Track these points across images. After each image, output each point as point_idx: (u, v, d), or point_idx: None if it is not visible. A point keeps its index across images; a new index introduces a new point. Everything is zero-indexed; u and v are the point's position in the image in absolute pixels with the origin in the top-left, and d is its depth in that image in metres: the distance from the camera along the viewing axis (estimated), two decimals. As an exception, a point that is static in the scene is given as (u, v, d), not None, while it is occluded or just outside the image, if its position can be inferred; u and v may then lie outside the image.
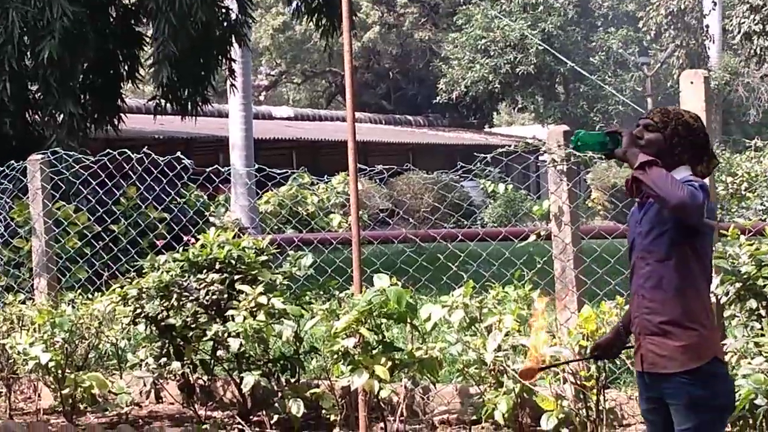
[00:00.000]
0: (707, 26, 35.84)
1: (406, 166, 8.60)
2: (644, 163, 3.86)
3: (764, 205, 17.59)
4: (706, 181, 4.14)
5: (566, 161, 6.86)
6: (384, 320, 6.91)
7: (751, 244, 6.01)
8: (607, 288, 7.15)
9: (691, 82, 6.37)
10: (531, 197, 25.94)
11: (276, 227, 17.91)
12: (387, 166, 8.29)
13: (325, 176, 8.85)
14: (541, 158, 7.56)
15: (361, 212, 9.16)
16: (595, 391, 6.31)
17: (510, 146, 8.04)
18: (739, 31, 32.86)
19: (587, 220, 16.45)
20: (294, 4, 17.42)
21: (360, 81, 48.90)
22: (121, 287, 7.68)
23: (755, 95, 39.81)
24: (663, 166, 3.87)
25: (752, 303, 5.93)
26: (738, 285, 5.96)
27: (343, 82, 7.67)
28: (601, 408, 6.33)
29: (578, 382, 6.34)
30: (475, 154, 8.05)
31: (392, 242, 10.51)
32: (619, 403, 6.79)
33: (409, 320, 6.91)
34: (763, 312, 5.92)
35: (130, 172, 9.53)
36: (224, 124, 24.63)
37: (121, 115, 15.91)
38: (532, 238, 7.21)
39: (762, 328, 5.73)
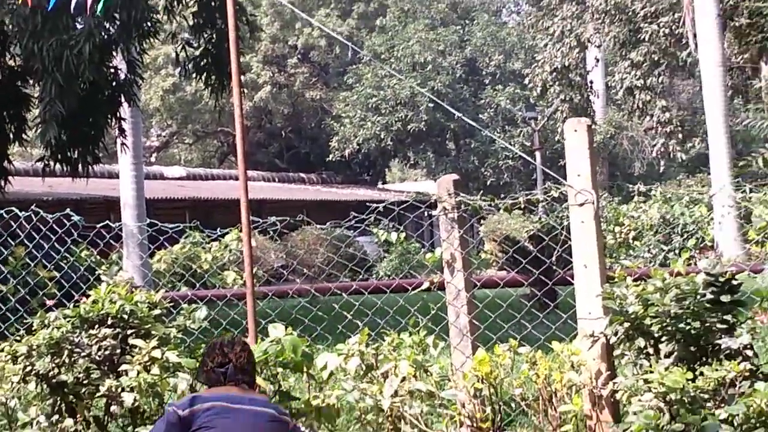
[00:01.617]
0: (591, 82, 36.75)
1: (300, 217, 8.60)
2: None
3: (650, 252, 18.02)
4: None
5: (457, 209, 6.96)
6: (280, 369, 6.88)
7: (638, 285, 6.16)
8: (500, 333, 7.25)
9: (575, 130, 6.54)
10: (424, 248, 26.16)
11: (169, 284, 17.71)
12: (281, 218, 8.30)
13: (219, 229, 8.78)
14: (433, 212, 7.64)
15: (255, 267, 9.14)
16: (491, 433, 6.36)
17: (402, 198, 8.14)
18: (621, 86, 33.80)
19: (481, 270, 16.66)
20: (182, 64, 17.30)
21: (252, 140, 48.88)
22: (11, 345, 7.51)
23: (639, 148, 40.92)
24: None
25: (640, 342, 6.06)
26: (626, 325, 6.09)
27: (235, 141, 7.68)
28: (497, 450, 6.38)
29: (475, 425, 6.39)
30: (368, 207, 8.11)
31: (288, 295, 10.50)
32: (515, 445, 6.86)
33: (305, 369, 6.90)
34: (650, 350, 6.06)
35: (18, 231, 9.37)
36: (115, 184, 24.38)
37: (8, 177, 15.65)
38: (426, 285, 7.29)
39: (650, 366, 5.85)
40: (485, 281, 8.70)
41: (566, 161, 6.59)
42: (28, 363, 7.32)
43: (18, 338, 7.69)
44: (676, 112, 34.90)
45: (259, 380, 6.63)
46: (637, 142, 41.31)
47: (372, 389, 6.62)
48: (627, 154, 42.55)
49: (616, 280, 6.32)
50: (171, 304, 7.94)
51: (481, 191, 7.19)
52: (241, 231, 8.04)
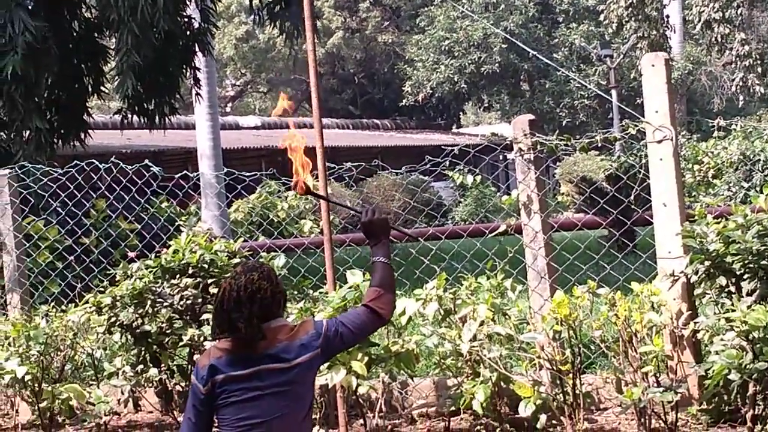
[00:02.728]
0: (668, 16, 36.03)
1: (376, 163, 8.61)
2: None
3: (731, 190, 17.74)
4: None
5: (533, 150, 6.91)
6: (359, 316, 6.91)
7: (718, 223, 6.08)
8: (578, 275, 7.22)
9: (653, 65, 6.44)
10: (500, 191, 26.05)
11: (247, 234, 17.88)
12: (356, 164, 8.32)
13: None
14: (508, 155, 7.59)
15: (332, 215, 9.19)
16: (571, 375, 6.34)
17: (477, 141, 8.09)
18: (699, 20, 33.14)
19: (558, 213, 16.55)
20: (255, 11, 17.36)
21: (325, 87, 48.92)
22: (95, 297, 7.67)
23: (718, 84, 40.12)
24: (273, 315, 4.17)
25: (722, 280, 6.00)
26: (707, 263, 6.03)
27: (309, 88, 7.69)
28: (577, 392, 6.37)
29: (554, 368, 6.38)
30: (442, 151, 8.08)
31: (364, 243, 10.53)
32: (596, 387, 6.85)
33: (384, 315, 6.93)
34: (732, 288, 5.99)
35: (99, 184, 9.51)
36: (192, 135, 24.58)
37: (88, 130, 15.85)
38: (502, 228, 7.26)
39: (732, 304, 5.78)
40: (562, 223, 8.66)
41: (643, 98, 6.50)
42: (112, 314, 7.47)
43: (102, 290, 7.84)
44: (755, 45, 34.15)
45: (338, 326, 6.68)
46: (716, 77, 40.49)
47: (451, 334, 6.63)
48: (705, 90, 41.76)
49: (696, 218, 6.24)
50: (249, 252, 8.03)
51: (557, 132, 7.11)
52: (317, 179, 8.08)
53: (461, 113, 55.04)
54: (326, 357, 4.28)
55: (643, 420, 6.29)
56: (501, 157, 8.67)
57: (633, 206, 8.49)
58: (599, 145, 7.07)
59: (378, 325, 4.38)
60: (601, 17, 36.08)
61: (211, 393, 4.12)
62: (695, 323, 6.06)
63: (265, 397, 4.08)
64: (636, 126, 6.67)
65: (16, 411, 8.41)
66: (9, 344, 7.96)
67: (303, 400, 4.18)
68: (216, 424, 4.18)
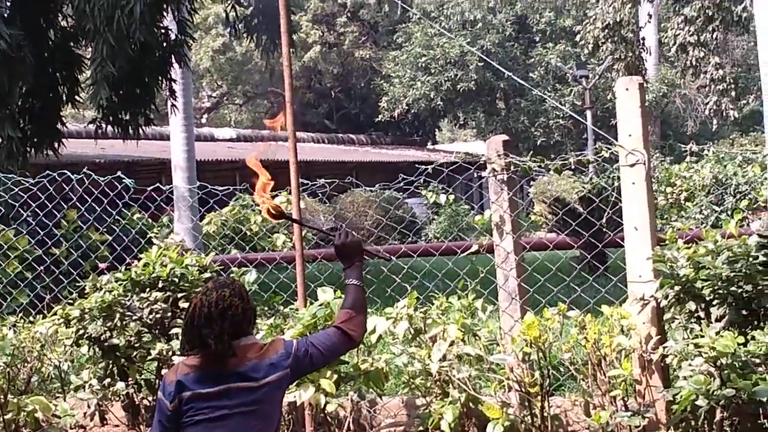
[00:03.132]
0: (643, 38, 36.19)
1: (349, 179, 8.60)
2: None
3: (703, 213, 17.84)
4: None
5: (506, 170, 6.92)
6: (329, 334, 6.89)
7: (689, 248, 6.09)
8: (549, 296, 7.22)
9: (627, 89, 6.46)
10: (474, 211, 26.08)
11: (219, 247, 17.83)
12: (329, 180, 8.31)
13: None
14: (483, 173, 7.61)
15: (304, 230, 9.16)
16: (539, 397, 6.35)
17: (452, 159, 8.10)
18: (674, 43, 33.33)
19: (531, 233, 16.59)
20: (232, 24, 17.35)
21: (302, 101, 48.90)
22: (63, 309, 7.61)
23: (692, 106, 40.41)
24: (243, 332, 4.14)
25: (691, 305, 6.01)
26: (677, 288, 6.04)
27: (285, 102, 7.69)
28: (546, 414, 6.37)
29: (523, 390, 6.38)
30: (418, 168, 8.08)
31: (336, 259, 10.50)
32: (564, 409, 6.84)
33: (354, 333, 6.91)
34: (701, 314, 6.00)
35: (71, 195, 9.45)
36: (166, 146, 24.49)
37: (62, 139, 15.74)
38: (474, 248, 7.26)
39: (701, 330, 5.80)
40: (534, 243, 8.66)
41: (617, 121, 6.52)
42: (80, 326, 7.42)
43: (71, 301, 7.78)
44: (729, 69, 34.39)
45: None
46: (690, 100, 40.78)
47: (420, 353, 6.63)
48: (680, 112, 42.03)
49: (667, 242, 6.26)
50: (221, 267, 8.00)
51: (531, 151, 7.12)
52: (290, 193, 8.06)
53: (437, 130, 55.13)
54: (295, 377, 4.25)
55: (610, 443, 6.29)
56: (475, 175, 8.68)
57: (605, 228, 8.51)
58: (573, 167, 7.08)
59: (348, 347, 4.38)
60: (578, 38, 36.28)
61: (177, 410, 4.07)
62: (664, 348, 6.08)
63: (233, 416, 4.04)
64: (609, 149, 6.70)
65: (-19, 422, 8.33)
66: (-25, 355, 7.90)
67: (271, 420, 4.15)
68: None
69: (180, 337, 4.21)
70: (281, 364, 4.12)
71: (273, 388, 4.10)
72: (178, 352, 6.85)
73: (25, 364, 7.94)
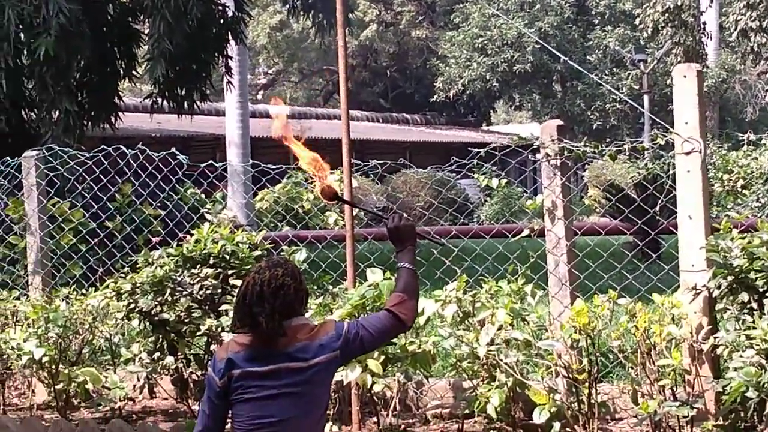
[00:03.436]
0: (704, 23, 35.79)
1: (401, 161, 8.58)
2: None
3: (759, 202, 17.62)
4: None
5: (560, 156, 6.87)
6: (377, 314, 6.90)
7: (743, 238, 6.01)
8: (599, 283, 7.17)
9: (684, 76, 6.37)
10: (527, 194, 25.92)
11: (271, 224, 17.90)
12: (382, 161, 8.29)
13: (320, 172, 8.78)
14: (536, 155, 7.56)
15: (355, 210, 9.17)
16: (587, 384, 6.31)
17: (505, 143, 8.05)
18: (736, 28, 32.89)
19: (583, 217, 16.47)
20: (290, 2, 17.40)
21: (357, 79, 48.93)
22: (115, 282, 7.69)
23: (752, 93, 39.88)
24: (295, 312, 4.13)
25: (744, 296, 5.93)
26: (730, 278, 5.96)
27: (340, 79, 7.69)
28: (593, 401, 6.33)
29: (570, 376, 6.35)
30: (470, 150, 8.05)
31: (386, 239, 10.49)
32: (612, 396, 6.80)
33: (402, 314, 6.91)
34: (754, 305, 5.93)
35: (125, 169, 9.53)
36: (221, 122, 24.65)
37: (118, 113, 15.90)
38: (526, 233, 7.22)
39: (753, 321, 5.73)
40: (587, 229, 8.58)
41: (674, 108, 6.44)
42: (131, 300, 7.48)
43: (123, 275, 7.86)
44: (791, 56, 33.89)
45: (355, 324, 6.67)
46: (750, 86, 40.24)
47: (468, 336, 6.61)
48: (739, 98, 41.49)
49: (721, 231, 6.18)
50: (271, 245, 8.02)
51: (587, 135, 7.06)
52: (342, 172, 8.07)
53: (492, 111, 54.92)
54: (344, 359, 4.23)
55: (657, 432, 6.25)
56: (529, 158, 8.64)
57: (658, 216, 8.43)
58: (628, 153, 7.02)
59: (399, 330, 4.36)
60: (637, 21, 35.89)
61: (227, 387, 4.08)
62: (715, 338, 6.01)
63: (281, 397, 4.04)
64: (665, 136, 6.62)
65: (33, 391, 8.46)
66: (28, 325, 8.01)
67: (319, 401, 4.15)
68: (231, 419, 4.16)
69: (231, 315, 4.22)
70: (331, 345, 4.10)
71: (322, 369, 4.08)
72: (228, 329, 6.92)
73: (77, 336, 8.03)
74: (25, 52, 13.35)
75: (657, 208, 8.32)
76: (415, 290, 4.35)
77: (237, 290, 4.23)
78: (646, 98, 35.77)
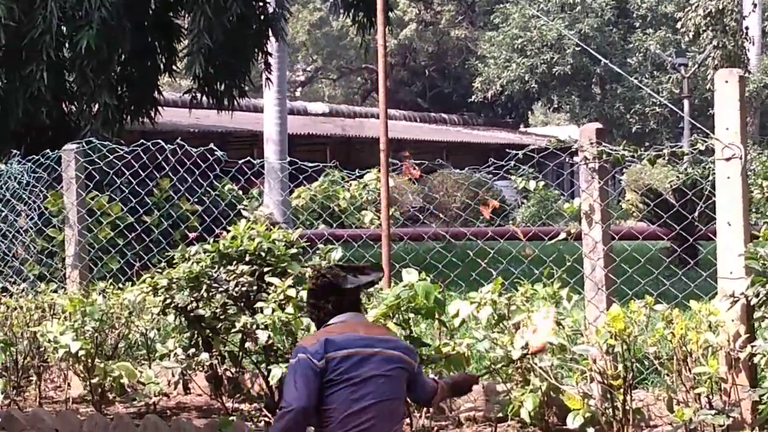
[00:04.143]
0: (747, 28, 35.44)
1: (438, 161, 8.57)
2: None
3: (800, 209, 17.42)
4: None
5: (598, 159, 6.83)
6: (412, 315, 6.90)
7: (784, 246, 5.95)
8: (636, 288, 7.12)
9: (726, 81, 6.31)
10: (564, 197, 25.88)
11: (307, 222, 17.92)
12: (419, 161, 8.28)
13: (357, 171, 8.81)
14: (574, 158, 7.51)
15: (392, 208, 9.17)
16: (622, 390, 6.26)
17: (543, 144, 8.01)
18: (778, 34, 32.55)
19: (620, 221, 16.38)
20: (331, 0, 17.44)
21: (396, 78, 48.92)
22: (152, 277, 7.72)
23: (794, 99, 39.46)
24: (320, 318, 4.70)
25: (783, 305, 5.87)
26: (769, 286, 5.90)
27: (378, 78, 7.69)
28: (627, 408, 6.29)
29: (605, 382, 6.31)
30: (508, 152, 8.02)
31: (423, 239, 10.51)
32: (647, 403, 6.75)
33: (437, 316, 6.91)
34: (793, 314, 5.87)
35: (164, 164, 9.56)
36: (259, 118, 24.70)
37: (158, 107, 15.98)
38: (563, 236, 7.17)
39: (791, 331, 5.67)
40: (624, 233, 8.53)
41: (714, 113, 6.38)
42: (167, 295, 7.50)
43: (159, 270, 7.89)
44: (834, 62, 33.53)
45: (390, 325, 6.67)
46: (792, 92, 39.84)
47: (503, 339, 6.59)
48: (781, 104, 41.12)
49: (760, 239, 6.12)
50: (307, 243, 8.02)
51: (626, 138, 7.01)
52: (380, 171, 8.07)
53: (530, 112, 54.76)
54: (406, 380, 4.64)
55: (692, 441, 6.20)
56: (567, 161, 8.59)
57: (697, 221, 8.36)
58: (667, 157, 6.96)
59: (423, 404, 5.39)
60: (679, 24, 35.63)
61: (325, 368, 4.33)
62: (752, 347, 5.95)
63: (378, 379, 4.37)
64: (705, 141, 6.56)
65: (69, 385, 8.51)
66: (65, 318, 8.05)
67: (403, 390, 4.58)
68: (324, 404, 4.38)
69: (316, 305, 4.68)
70: (412, 355, 4.67)
71: (401, 366, 4.52)
72: (262, 326, 6.95)
73: (113, 330, 8.08)
74: (67, 45, 13.45)
75: (696, 213, 8.24)
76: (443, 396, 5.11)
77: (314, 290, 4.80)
78: (686, 102, 35.51)
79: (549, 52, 41.53)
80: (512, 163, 7.75)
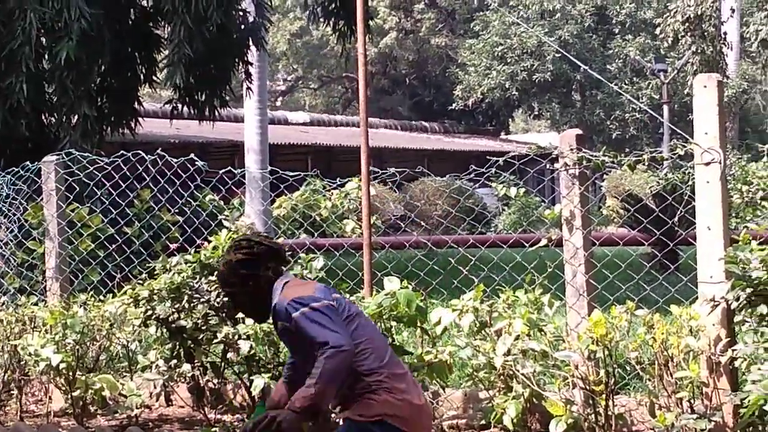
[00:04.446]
0: (725, 33, 35.62)
1: (419, 169, 8.57)
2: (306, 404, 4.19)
3: (779, 213, 17.51)
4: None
5: (578, 165, 6.84)
6: (394, 323, 6.92)
7: (763, 249, 5.98)
8: (617, 293, 7.14)
9: (705, 87, 6.34)
10: (545, 204, 25.92)
11: (289, 231, 17.90)
12: (400, 169, 8.27)
13: (338, 180, 8.81)
14: (555, 165, 7.53)
15: (374, 217, 9.17)
16: (604, 396, 6.27)
17: (524, 151, 8.04)
18: (756, 38, 32.76)
19: (601, 227, 16.41)
20: (310, 8, 17.45)
21: (376, 87, 48.96)
22: (133, 289, 7.69)
23: (772, 103, 39.68)
24: (254, 296, 4.48)
25: (763, 308, 5.88)
26: (749, 290, 5.92)
27: (359, 87, 7.69)
28: (610, 413, 6.29)
29: (587, 387, 6.31)
30: (489, 159, 8.03)
31: (404, 247, 10.51)
32: (629, 409, 6.76)
33: (419, 324, 6.92)
34: (773, 318, 5.89)
35: (144, 175, 9.54)
36: (240, 128, 24.65)
37: (138, 118, 15.94)
38: (543, 242, 7.19)
39: (772, 334, 5.69)
40: (604, 239, 8.56)
41: (694, 118, 6.41)
42: (149, 307, 7.49)
43: (140, 281, 7.86)
44: (812, 67, 33.72)
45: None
46: (771, 97, 40.07)
47: (485, 346, 6.59)
48: (759, 109, 41.35)
49: (740, 243, 6.14)
50: (289, 252, 8.01)
51: (606, 144, 7.03)
52: (361, 180, 8.07)
53: (510, 120, 54.87)
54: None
55: (675, 446, 6.21)
56: (547, 168, 8.61)
57: (677, 226, 8.38)
58: (647, 163, 6.99)
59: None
60: (657, 30, 35.77)
61: (337, 308, 4.43)
62: (733, 350, 5.97)
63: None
64: (684, 146, 6.59)
65: (50, 398, 8.46)
66: (46, 331, 8.01)
67: None
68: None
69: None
70: None
71: None
72: (244, 337, 6.93)
73: (94, 343, 8.03)
74: (46, 57, 13.40)
75: (676, 218, 8.27)
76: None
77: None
78: (665, 108, 35.65)
79: (529, 59, 41.64)
80: (493, 170, 7.77)
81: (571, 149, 6.87)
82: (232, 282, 4.53)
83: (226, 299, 7.34)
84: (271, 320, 4.55)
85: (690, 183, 7.79)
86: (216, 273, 4.42)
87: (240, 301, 4.57)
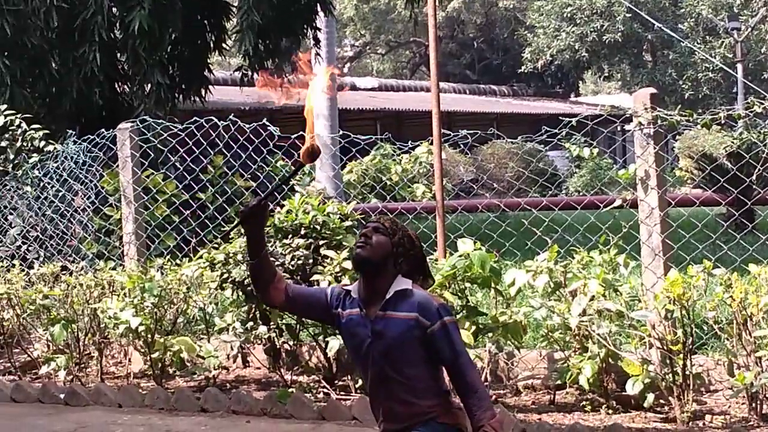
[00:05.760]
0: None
1: (490, 131, 8.52)
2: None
3: None
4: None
5: (653, 124, 6.78)
6: (468, 285, 6.92)
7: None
8: (693, 254, 7.07)
9: (782, 43, 6.23)
10: (617, 164, 25.67)
11: (360, 196, 17.95)
12: (471, 131, 8.24)
13: (410, 142, 8.81)
14: (627, 126, 7.46)
15: (445, 180, 9.17)
16: (681, 356, 6.24)
17: (595, 112, 7.97)
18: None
19: (675, 188, 16.23)
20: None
21: (444, 51, 48.71)
22: (209, 253, 7.78)
23: None
24: (384, 273, 4.04)
25: (844, 267, 5.81)
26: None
27: (427, 52, 7.71)
28: (687, 373, 6.26)
29: (664, 347, 6.28)
30: (560, 121, 7.97)
31: (477, 209, 10.47)
32: (706, 368, 6.72)
33: (493, 285, 6.92)
34: None
35: (217, 141, 9.62)
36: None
37: (208, 86, 16.05)
38: (618, 202, 7.14)
39: None
40: (680, 200, 8.46)
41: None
42: (224, 270, 7.58)
43: (216, 246, 7.95)
44: None
45: (446, 294, 6.69)
46: None
47: (560, 307, 6.58)
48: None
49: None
50: (361, 216, 8.04)
51: (679, 105, 6.94)
52: (431, 144, 8.07)
53: (580, 82, 54.27)
54: None
55: (754, 405, 6.17)
56: (619, 129, 8.53)
57: (754, 185, 8.27)
58: (722, 121, 6.90)
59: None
60: (731, -13, 35.15)
61: None
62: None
63: None
64: (761, 103, 6.49)
65: (129, 360, 8.63)
66: (124, 295, 8.14)
67: None
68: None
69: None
70: None
71: None
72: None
73: (172, 306, 8.16)
74: (119, 26, 13.54)
75: (752, 177, 8.16)
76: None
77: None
78: (739, 67, 35.05)
79: (599, 19, 41.11)
80: (564, 131, 7.72)
81: (645, 108, 6.80)
82: (394, 241, 4.10)
83: (300, 262, 7.41)
84: (383, 301, 4.28)
85: (767, 141, 7.69)
86: (391, 221, 4.17)
87: (375, 254, 4.23)
